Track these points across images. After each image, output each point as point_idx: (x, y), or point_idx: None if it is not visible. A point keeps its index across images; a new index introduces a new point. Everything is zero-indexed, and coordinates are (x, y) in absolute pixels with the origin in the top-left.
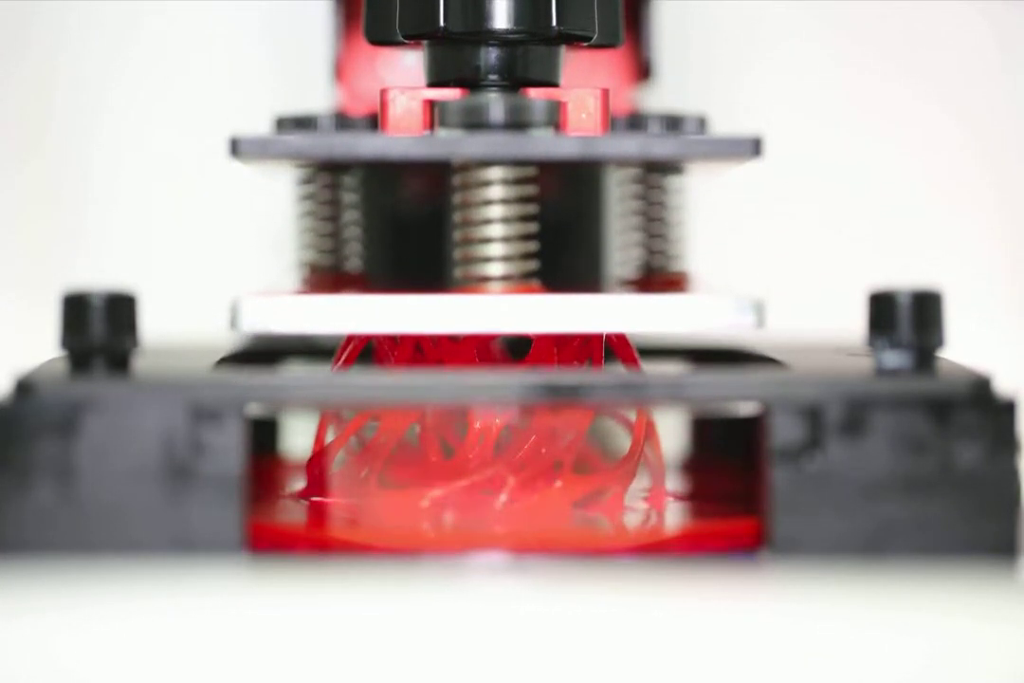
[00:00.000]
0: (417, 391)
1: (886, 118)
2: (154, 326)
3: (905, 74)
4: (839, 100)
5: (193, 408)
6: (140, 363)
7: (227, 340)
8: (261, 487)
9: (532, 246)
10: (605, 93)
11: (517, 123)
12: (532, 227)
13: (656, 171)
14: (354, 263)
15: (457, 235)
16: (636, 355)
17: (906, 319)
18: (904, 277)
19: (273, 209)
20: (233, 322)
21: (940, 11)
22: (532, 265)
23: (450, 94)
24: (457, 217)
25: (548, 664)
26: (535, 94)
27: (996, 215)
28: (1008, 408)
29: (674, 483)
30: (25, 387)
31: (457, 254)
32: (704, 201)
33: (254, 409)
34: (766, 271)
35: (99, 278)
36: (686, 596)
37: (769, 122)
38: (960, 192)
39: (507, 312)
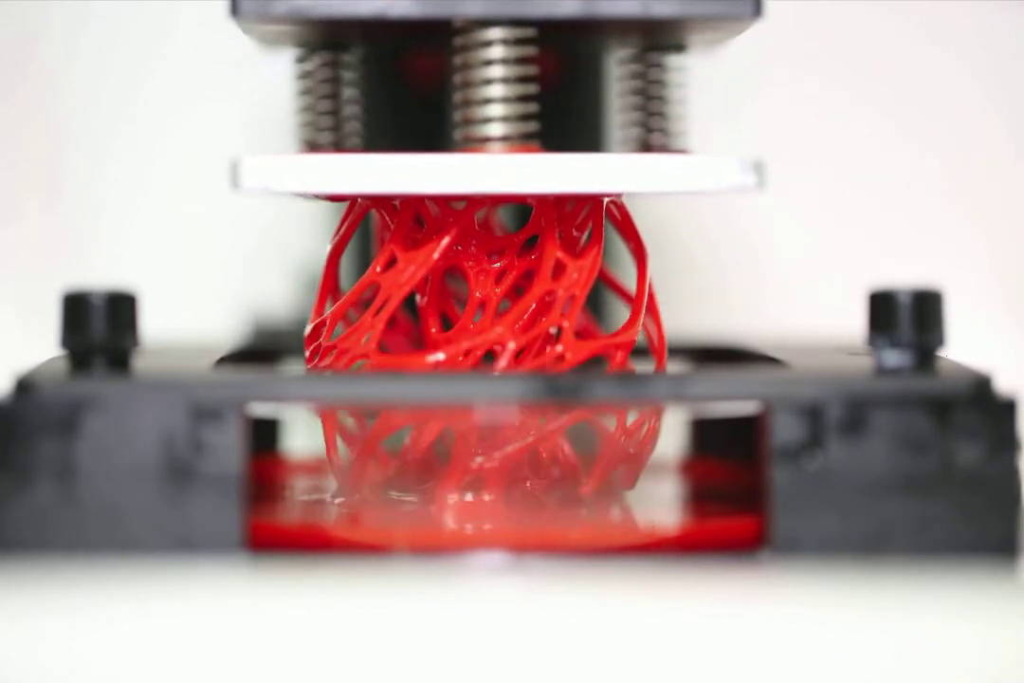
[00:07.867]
0: (418, 391)
1: (885, 116)
2: (154, 326)
3: (906, 71)
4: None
5: (193, 407)
6: (140, 362)
7: (227, 340)
8: (261, 487)
9: (532, 107)
10: None
11: None
12: (532, 88)
13: (656, 49)
14: (354, 142)
15: (457, 97)
16: (637, 229)
17: (906, 319)
18: (904, 277)
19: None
20: (233, 181)
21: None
22: (532, 126)
23: None
24: (457, 79)
25: (548, 664)
26: None
27: (996, 214)
28: (1008, 408)
29: (674, 483)
30: (25, 386)
31: (457, 116)
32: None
33: (256, 409)
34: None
35: (99, 277)
36: (686, 596)
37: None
38: (960, 191)
39: (507, 171)
